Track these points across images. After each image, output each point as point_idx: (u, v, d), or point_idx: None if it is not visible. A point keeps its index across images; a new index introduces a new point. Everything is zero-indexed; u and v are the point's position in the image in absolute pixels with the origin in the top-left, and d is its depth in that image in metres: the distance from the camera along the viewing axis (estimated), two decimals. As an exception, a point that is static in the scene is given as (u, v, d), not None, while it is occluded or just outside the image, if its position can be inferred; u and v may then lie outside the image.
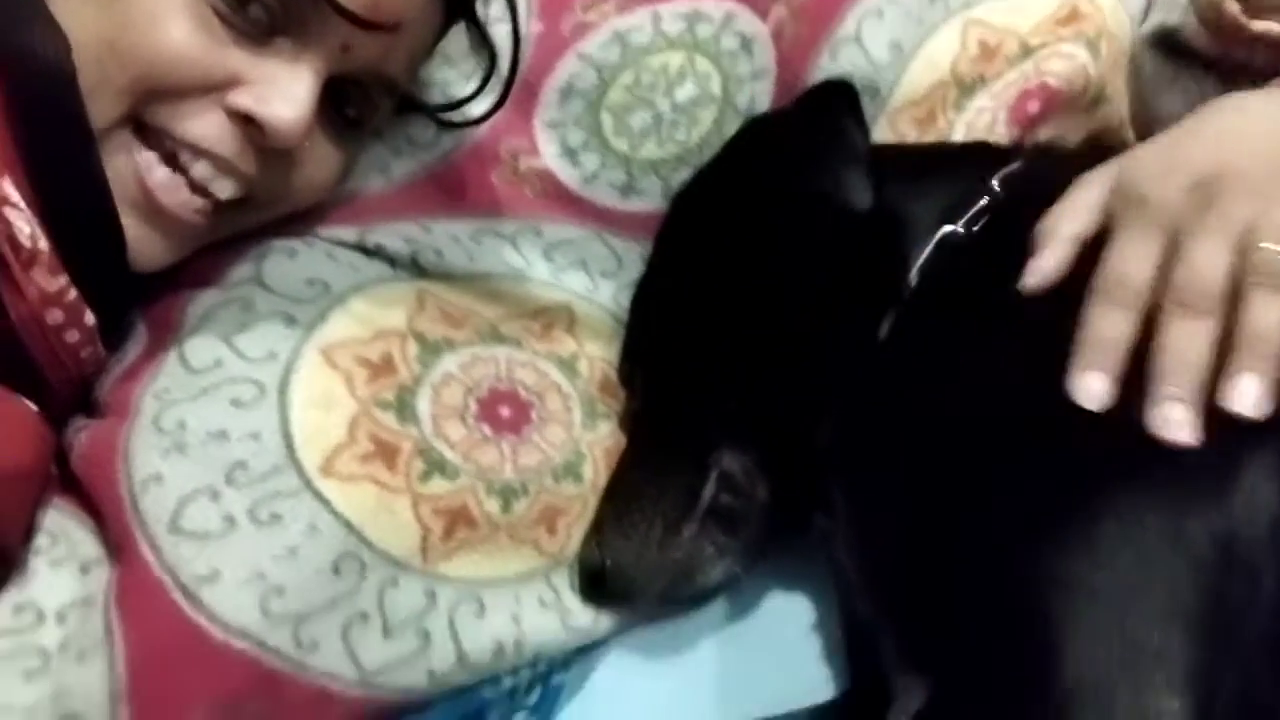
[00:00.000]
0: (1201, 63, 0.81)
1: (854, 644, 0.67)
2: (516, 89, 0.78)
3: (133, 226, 0.62)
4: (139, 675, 0.54)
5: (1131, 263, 0.54)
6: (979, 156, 0.73)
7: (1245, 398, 0.49)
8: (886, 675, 0.58)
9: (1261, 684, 0.46)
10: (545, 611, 0.68)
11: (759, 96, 0.81)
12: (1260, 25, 0.75)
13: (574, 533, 0.71)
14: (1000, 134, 0.83)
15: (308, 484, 0.60)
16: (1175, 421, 0.50)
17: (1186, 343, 0.51)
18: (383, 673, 0.60)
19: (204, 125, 0.61)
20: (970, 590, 0.52)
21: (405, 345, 0.69)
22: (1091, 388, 0.52)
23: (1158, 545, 0.48)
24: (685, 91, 0.79)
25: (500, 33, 0.77)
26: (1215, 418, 0.51)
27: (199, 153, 0.62)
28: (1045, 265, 0.58)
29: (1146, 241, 0.55)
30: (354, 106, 0.68)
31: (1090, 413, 0.53)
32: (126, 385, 0.63)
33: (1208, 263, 0.52)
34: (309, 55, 0.62)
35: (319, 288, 0.68)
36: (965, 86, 0.84)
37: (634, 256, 0.80)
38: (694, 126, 0.79)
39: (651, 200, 0.79)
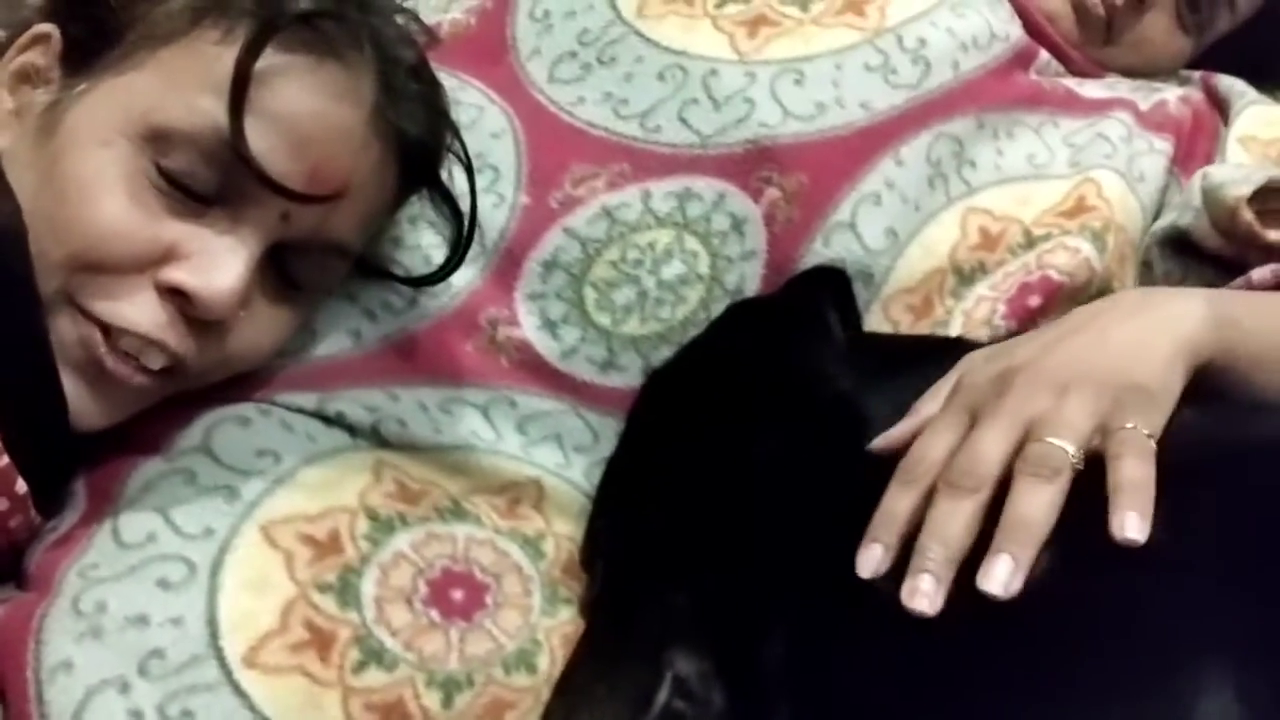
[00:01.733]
0: (1212, 263, 0.78)
1: None
2: (501, 259, 0.77)
3: (73, 386, 0.61)
4: None
5: (928, 442, 0.57)
6: (954, 352, 0.70)
7: (994, 579, 0.51)
8: None
9: None
10: (481, 817, 0.64)
11: (748, 277, 0.79)
12: (1275, 235, 0.73)
13: (525, 728, 0.67)
14: (999, 325, 0.80)
15: (228, 676, 0.57)
16: (920, 592, 0.52)
17: (944, 520, 0.53)
18: None
19: (134, 310, 0.60)
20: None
21: (355, 522, 0.67)
22: (867, 558, 0.56)
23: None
24: (672, 269, 0.78)
25: (484, 203, 0.76)
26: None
27: (128, 329, 0.61)
28: (891, 435, 0.61)
29: (949, 424, 0.58)
30: (299, 271, 0.67)
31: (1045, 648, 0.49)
32: (53, 558, 0.61)
33: (985, 447, 0.55)
34: (247, 226, 0.62)
35: (269, 459, 0.66)
36: (964, 275, 0.82)
37: (610, 433, 0.78)
38: (679, 305, 0.78)
39: (631, 377, 0.77)
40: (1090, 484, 0.53)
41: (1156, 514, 0.51)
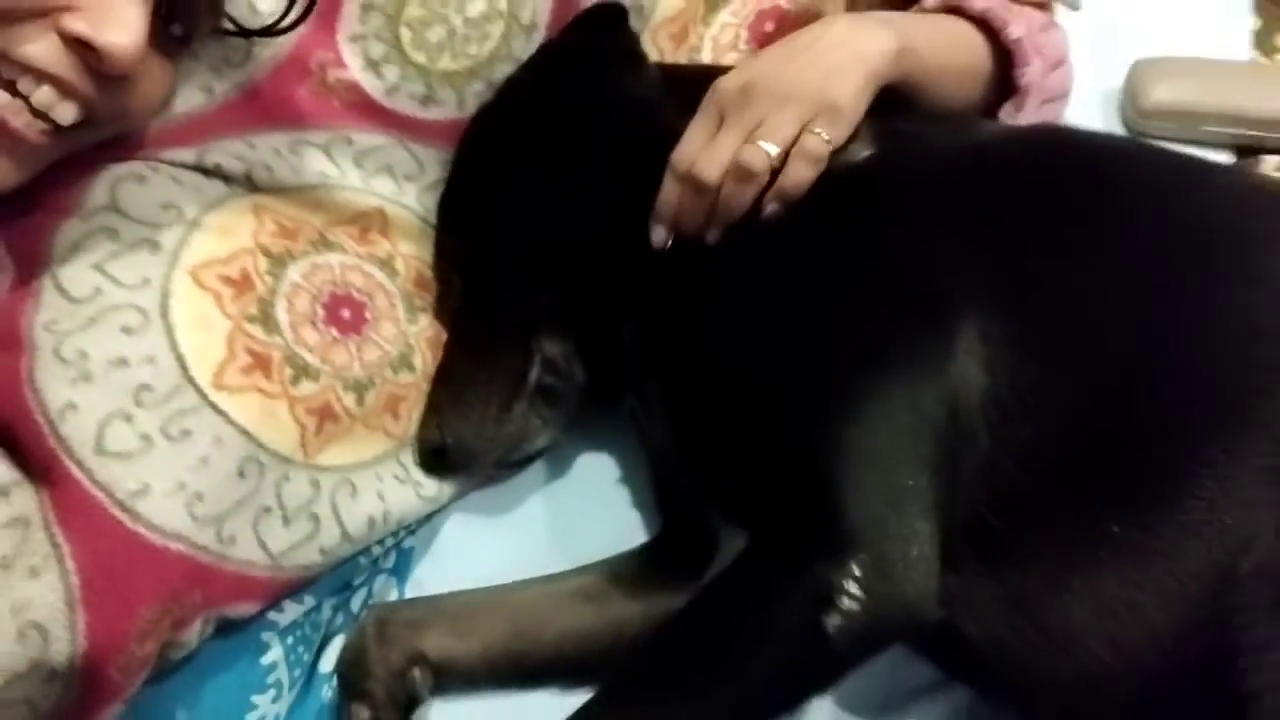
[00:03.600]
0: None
1: (664, 496, 0.84)
2: (322, 2, 0.83)
3: None
4: (90, 582, 0.61)
5: (687, 142, 0.78)
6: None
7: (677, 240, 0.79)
8: (704, 525, 0.75)
9: (978, 507, 0.66)
10: (402, 486, 0.79)
11: (540, 12, 0.90)
12: None
13: (413, 416, 0.82)
14: (743, 48, 0.97)
15: (205, 399, 0.68)
16: (655, 239, 0.79)
17: (689, 206, 0.77)
18: (286, 555, 0.70)
19: (40, 49, 0.63)
20: (768, 459, 0.69)
21: (256, 260, 0.76)
22: (655, 237, 0.80)
23: (906, 415, 0.66)
24: (475, 7, 0.88)
25: None
26: (927, 310, 0.70)
27: (38, 77, 0.64)
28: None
29: (703, 126, 0.78)
30: (180, 23, 0.71)
31: (846, 311, 0.71)
32: (9, 318, 0.66)
33: (717, 152, 0.76)
34: None
35: (173, 212, 0.73)
36: (711, 4, 0.97)
37: (433, 161, 0.89)
38: (485, 41, 0.88)
39: (449, 110, 0.88)
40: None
41: (911, 201, 0.73)
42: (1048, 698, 0.66)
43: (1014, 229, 0.71)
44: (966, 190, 0.73)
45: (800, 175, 0.74)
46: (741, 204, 0.76)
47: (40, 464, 0.63)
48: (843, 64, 0.76)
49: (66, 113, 0.65)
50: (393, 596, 0.81)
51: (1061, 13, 1.01)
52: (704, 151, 0.77)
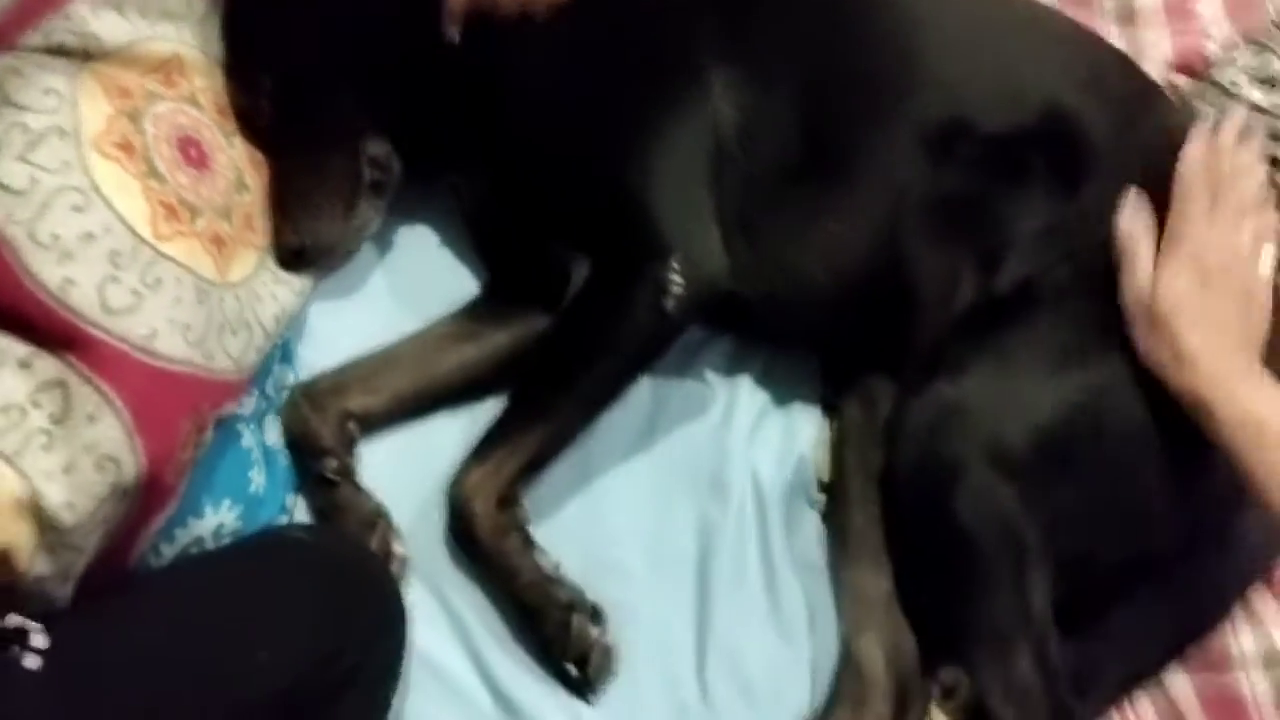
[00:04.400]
0: None
1: (488, 249, 1.07)
2: None
3: None
4: (139, 412, 0.77)
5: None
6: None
7: None
8: (550, 260, 1.01)
9: (742, 204, 0.97)
10: (281, 285, 0.97)
11: None
12: None
13: (265, 227, 0.99)
14: None
15: (157, 251, 0.82)
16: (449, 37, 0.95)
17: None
18: (242, 358, 0.88)
19: None
20: (590, 200, 0.95)
21: (123, 123, 0.87)
22: (449, 35, 0.94)
23: (685, 145, 0.95)
24: None
25: None
26: (683, 66, 0.98)
27: None
28: None
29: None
30: None
31: (622, 75, 0.97)
32: None
33: None
34: None
35: (55, 96, 0.82)
36: None
37: (197, -2, 1.00)
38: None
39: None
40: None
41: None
42: (793, 321, 1.02)
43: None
44: None
45: None
46: (516, 11, 0.96)
47: (57, 335, 0.76)
48: None
49: None
50: (290, 378, 1.00)
51: None
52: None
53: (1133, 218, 0.90)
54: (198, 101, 0.96)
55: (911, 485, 0.94)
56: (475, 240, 1.07)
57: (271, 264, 0.97)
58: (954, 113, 0.96)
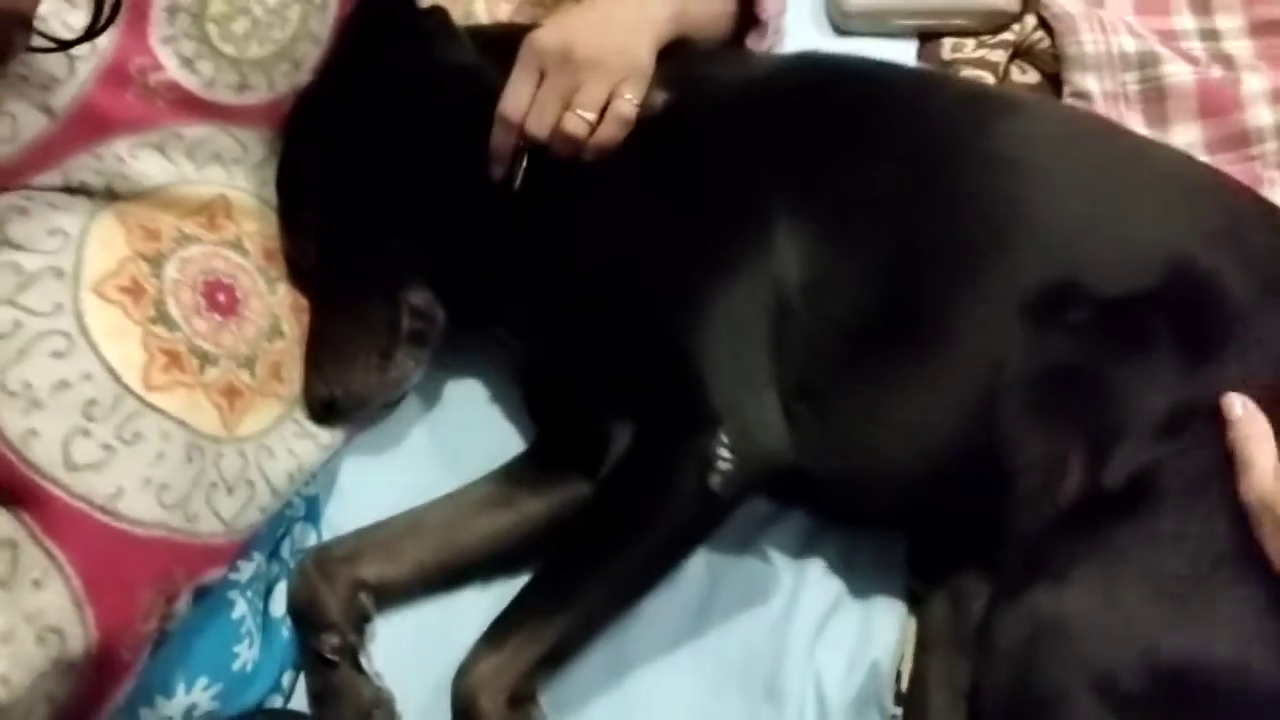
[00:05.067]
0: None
1: (538, 407, 0.98)
2: (130, 12, 0.89)
3: None
4: (92, 581, 0.70)
5: (509, 96, 0.89)
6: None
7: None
8: (588, 425, 0.90)
9: (806, 371, 0.85)
10: (302, 440, 0.90)
11: (332, -7, 0.98)
12: None
13: (294, 377, 0.92)
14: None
15: (143, 402, 0.76)
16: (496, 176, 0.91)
17: (503, 141, 0.90)
18: (236, 519, 0.81)
19: None
20: (637, 360, 0.85)
21: (139, 266, 0.83)
22: (495, 174, 0.90)
23: (743, 306, 0.84)
24: (272, -5, 0.95)
25: None
26: (744, 218, 0.88)
27: None
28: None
29: (524, 80, 0.90)
30: None
31: (680, 228, 0.87)
32: None
33: (544, 114, 0.88)
34: None
35: (60, 236, 0.79)
36: None
37: (255, 142, 0.96)
38: (286, 25, 0.96)
39: (262, 93, 0.95)
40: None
41: (713, 132, 0.89)
42: (868, 502, 0.87)
43: (801, 143, 0.89)
44: (757, 117, 0.91)
45: (614, 135, 0.89)
46: (567, 155, 0.89)
47: (14, 489, 0.70)
48: (637, 28, 0.90)
49: None
50: (311, 539, 0.92)
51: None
52: (533, 113, 0.89)
53: (1250, 419, 0.73)
54: (243, 245, 0.92)
55: (1004, 712, 0.77)
56: (524, 396, 0.98)
57: (300, 416, 0.90)
58: (1062, 273, 0.82)
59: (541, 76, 0.90)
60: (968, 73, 1.17)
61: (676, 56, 0.94)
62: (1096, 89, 1.13)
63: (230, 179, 0.94)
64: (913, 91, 0.93)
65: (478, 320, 0.95)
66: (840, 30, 1.23)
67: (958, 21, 1.21)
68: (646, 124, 0.89)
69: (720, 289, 0.84)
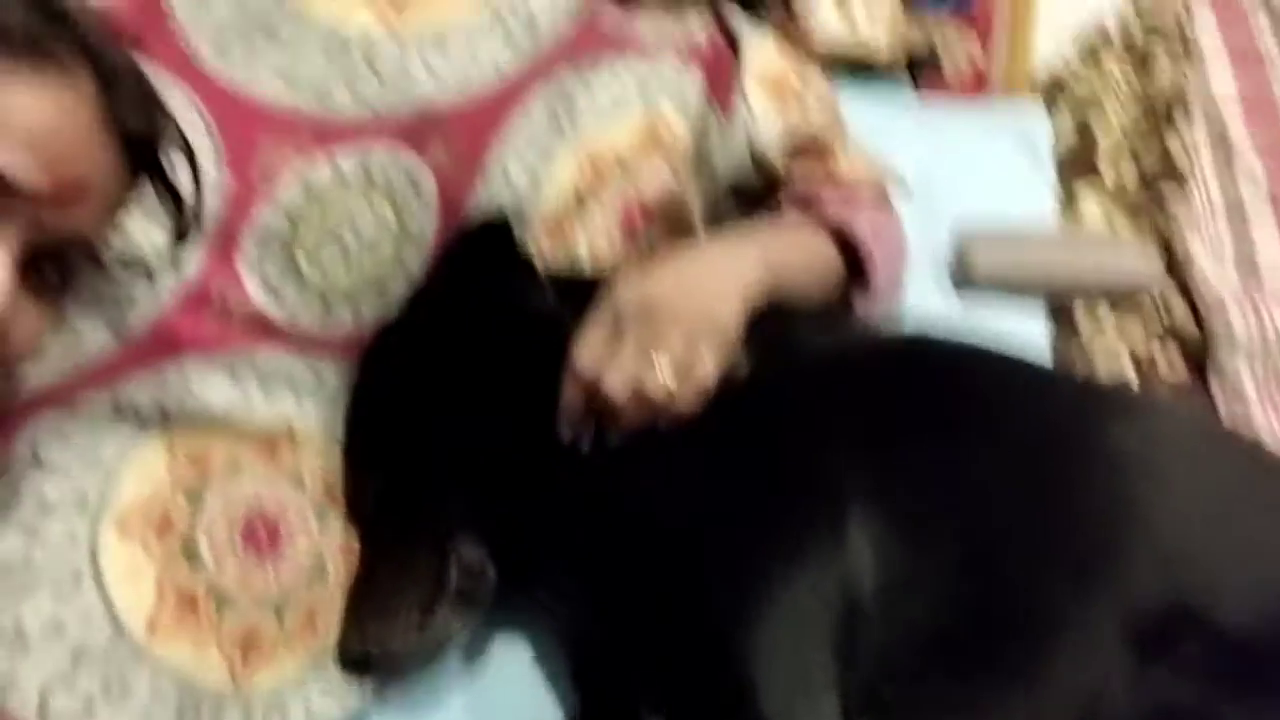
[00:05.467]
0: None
1: (580, 678, 0.89)
2: (218, 235, 0.88)
3: None
4: None
5: (584, 349, 0.84)
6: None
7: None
8: (624, 704, 0.81)
9: (872, 679, 0.74)
10: (326, 699, 0.83)
11: (427, 226, 0.96)
12: (797, 178, 1.05)
13: (330, 626, 0.86)
14: (614, 243, 1.05)
15: (138, 651, 0.71)
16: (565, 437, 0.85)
17: (575, 398, 0.84)
18: None
19: None
20: (683, 649, 0.76)
21: (175, 498, 0.79)
22: (564, 434, 0.84)
23: (808, 603, 0.74)
24: (366, 226, 0.93)
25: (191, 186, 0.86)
26: (818, 507, 0.78)
27: None
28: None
29: (600, 335, 0.84)
30: (54, 271, 0.73)
31: (747, 512, 0.78)
32: None
33: (619, 376, 0.83)
34: (1, 232, 0.67)
35: (94, 463, 0.76)
36: (583, 202, 1.05)
37: (332, 373, 0.93)
38: (377, 256, 0.94)
39: (345, 324, 0.93)
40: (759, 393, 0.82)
41: (792, 408, 0.81)
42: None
43: (888, 427, 0.81)
44: (845, 394, 0.83)
45: (689, 401, 0.82)
46: (640, 420, 0.83)
47: (-15, 735, 0.65)
48: (725, 290, 0.85)
49: None
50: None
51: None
52: (609, 371, 0.83)
53: None
54: (301, 479, 0.88)
55: None
56: (569, 666, 0.89)
57: (330, 670, 0.83)
58: (1177, 595, 0.71)
59: (618, 332, 0.85)
60: (1101, 347, 1.06)
61: (768, 319, 0.88)
62: (1247, 374, 1.01)
63: (300, 409, 0.90)
64: (1021, 382, 0.84)
65: (526, 582, 0.88)
66: (966, 294, 1.15)
67: (1093, 293, 1.12)
68: (725, 392, 0.82)
69: (783, 579, 0.75)
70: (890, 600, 0.74)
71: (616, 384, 0.83)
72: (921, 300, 1.15)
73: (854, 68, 1.44)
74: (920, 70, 1.44)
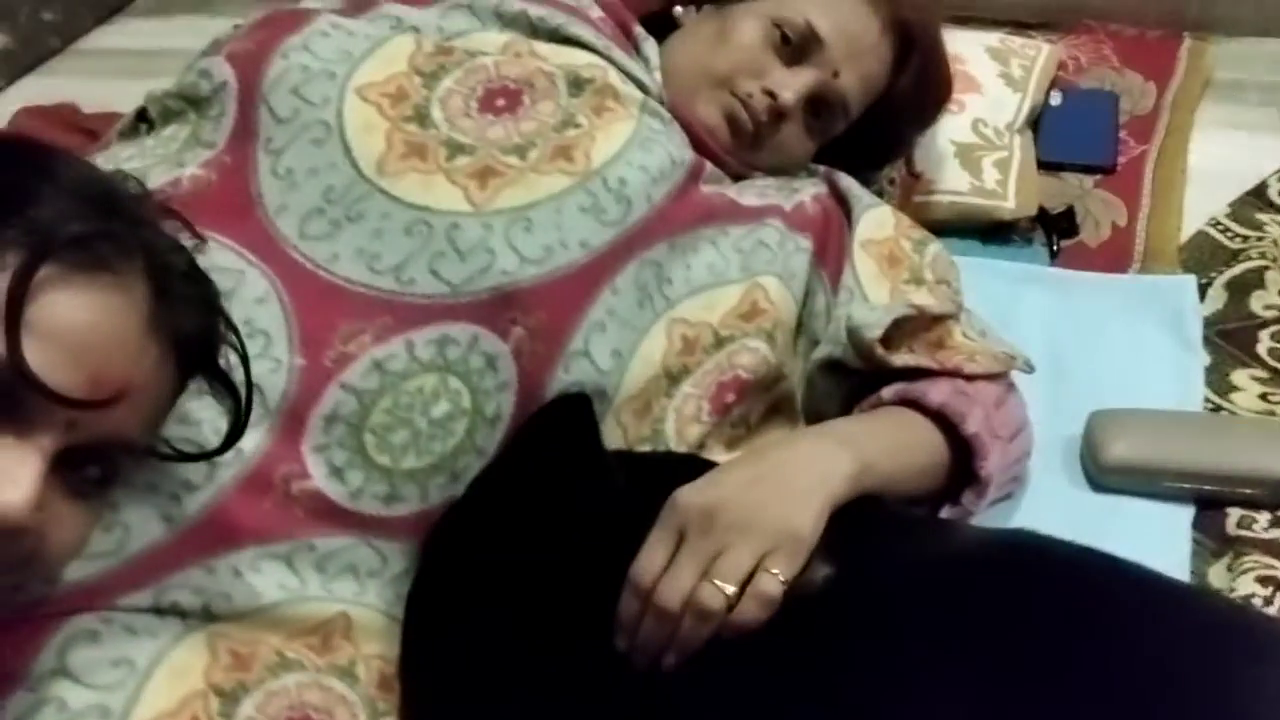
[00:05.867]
0: (859, 375, 1.02)
1: None
2: (285, 418, 0.85)
3: None
4: None
5: (646, 559, 0.79)
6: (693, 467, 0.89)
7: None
8: None
9: None
10: None
11: (504, 406, 0.92)
12: (898, 360, 0.97)
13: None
14: (705, 420, 0.99)
15: None
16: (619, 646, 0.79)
17: (649, 628, 0.78)
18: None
19: None
20: None
21: (208, 702, 0.75)
22: (619, 644, 0.79)
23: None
24: (440, 408, 0.89)
25: (260, 368, 0.83)
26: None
27: None
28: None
29: (662, 543, 0.79)
30: (92, 469, 0.70)
31: None
32: None
33: (677, 583, 0.77)
34: (33, 437, 0.64)
35: (125, 668, 0.72)
36: (673, 377, 0.99)
37: (397, 554, 0.89)
38: (449, 438, 0.90)
39: (412, 505, 0.89)
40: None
41: (875, 628, 0.72)
42: None
43: (980, 652, 0.71)
44: (934, 611, 0.74)
45: (753, 614, 0.75)
46: (698, 637, 0.76)
47: None
48: (805, 489, 0.78)
49: None
50: None
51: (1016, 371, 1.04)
52: (665, 579, 0.78)
53: None
54: (353, 673, 0.84)
55: None
56: None
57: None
58: None
59: (681, 539, 0.78)
60: (1255, 557, 0.93)
61: (856, 518, 0.80)
62: None
63: (361, 593, 0.86)
64: (1145, 606, 0.73)
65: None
66: (1098, 487, 1.03)
67: (1245, 490, 0.99)
68: (797, 601, 0.74)
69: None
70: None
71: (670, 596, 0.77)
72: (1047, 497, 1.04)
73: (986, 234, 1.37)
74: (1058, 237, 1.35)
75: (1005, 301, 1.20)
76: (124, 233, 0.69)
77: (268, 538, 0.83)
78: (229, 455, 0.81)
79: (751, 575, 0.77)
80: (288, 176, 0.93)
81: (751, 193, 1.12)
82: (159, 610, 0.76)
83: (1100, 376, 1.12)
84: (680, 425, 0.99)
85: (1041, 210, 1.35)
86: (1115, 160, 1.42)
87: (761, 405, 1.05)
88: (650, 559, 0.79)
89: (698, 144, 1.10)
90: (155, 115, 1.00)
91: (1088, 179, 1.41)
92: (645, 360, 0.97)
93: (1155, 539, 0.96)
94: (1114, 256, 1.29)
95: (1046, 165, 1.43)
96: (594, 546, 0.84)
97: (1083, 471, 1.05)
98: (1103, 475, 1.03)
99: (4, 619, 0.70)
